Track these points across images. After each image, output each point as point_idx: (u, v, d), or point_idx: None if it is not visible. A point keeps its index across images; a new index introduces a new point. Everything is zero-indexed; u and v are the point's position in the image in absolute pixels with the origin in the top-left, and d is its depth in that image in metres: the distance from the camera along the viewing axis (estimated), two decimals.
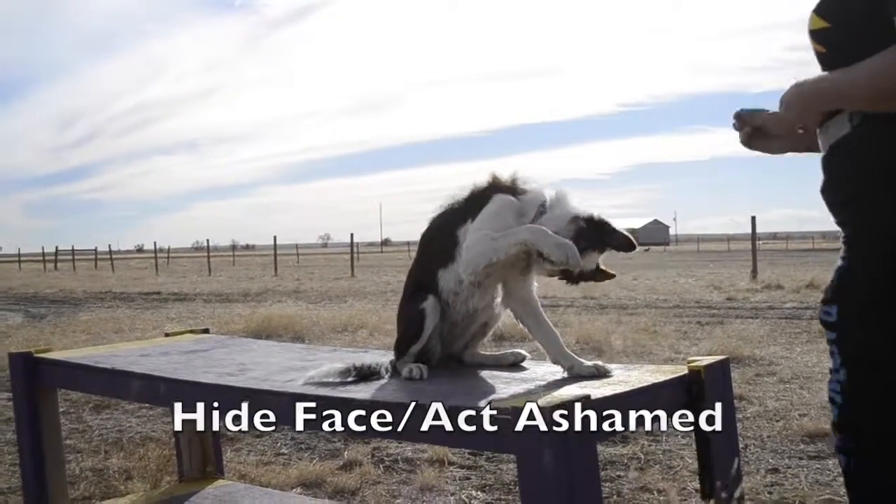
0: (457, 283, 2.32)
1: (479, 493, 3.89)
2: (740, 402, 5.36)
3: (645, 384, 2.05)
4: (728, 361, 2.24)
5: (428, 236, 2.48)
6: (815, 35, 1.81)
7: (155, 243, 49.38)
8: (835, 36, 1.76)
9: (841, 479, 1.90)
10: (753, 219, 20.99)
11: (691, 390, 2.12)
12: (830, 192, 1.83)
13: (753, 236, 21.65)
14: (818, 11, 1.80)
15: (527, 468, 1.72)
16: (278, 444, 4.90)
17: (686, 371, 2.14)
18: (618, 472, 4.11)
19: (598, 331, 8.78)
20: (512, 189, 2.29)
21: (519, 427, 1.71)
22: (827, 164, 1.84)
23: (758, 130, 2.02)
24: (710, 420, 2.11)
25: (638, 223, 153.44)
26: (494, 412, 1.82)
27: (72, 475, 4.06)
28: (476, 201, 2.30)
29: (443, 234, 2.36)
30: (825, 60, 1.80)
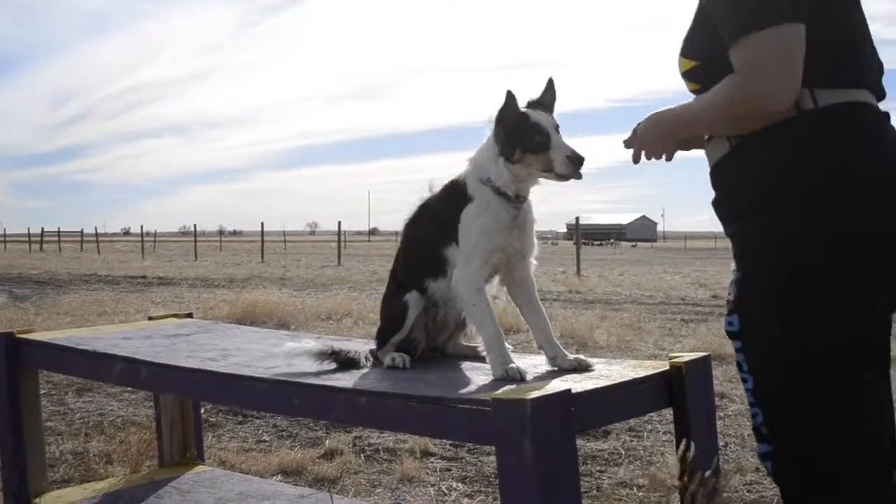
0: (449, 292, 2.33)
1: (459, 484, 3.89)
2: (721, 400, 5.40)
3: (626, 379, 2.06)
4: (709, 358, 2.25)
5: (412, 244, 2.50)
6: (687, 75, 1.95)
7: (142, 226, 49.25)
8: (704, 72, 1.87)
9: None
10: None
11: (672, 386, 2.13)
12: (720, 207, 1.94)
13: None
14: (684, 54, 1.95)
15: (506, 460, 1.72)
16: (260, 431, 4.89)
17: (667, 367, 2.15)
18: (598, 467, 4.12)
19: (583, 325, 8.82)
20: (462, 191, 2.31)
21: (499, 418, 1.71)
22: (714, 181, 1.95)
23: None
24: (690, 416, 2.12)
25: (626, 219, 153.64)
26: (475, 403, 1.82)
27: (52, 458, 4.04)
28: (450, 214, 2.31)
29: (429, 248, 2.37)
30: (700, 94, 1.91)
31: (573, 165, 2.13)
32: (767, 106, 1.71)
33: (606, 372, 2.16)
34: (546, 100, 2.26)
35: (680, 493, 1.82)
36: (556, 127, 2.19)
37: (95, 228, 55.58)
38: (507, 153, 2.19)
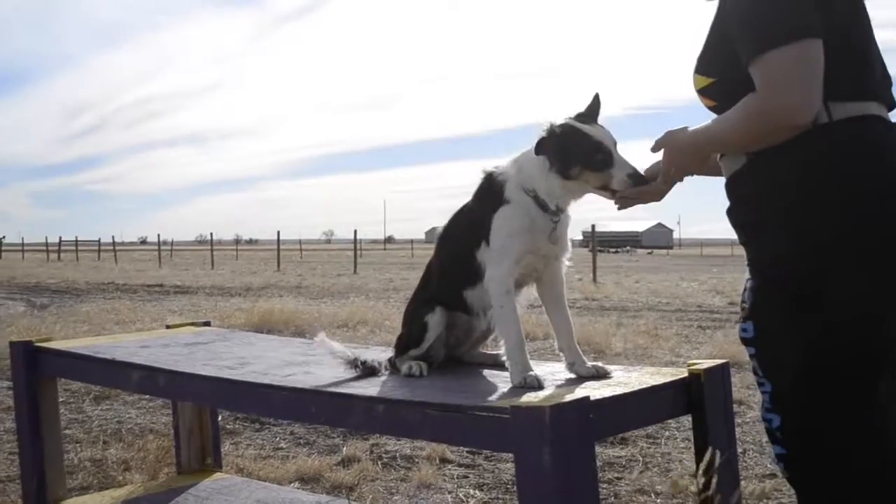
0: (485, 296, 2.29)
1: (476, 491, 3.88)
2: (740, 407, 5.35)
3: (644, 386, 2.06)
4: (728, 365, 2.25)
5: (445, 253, 2.47)
6: (704, 92, 1.97)
7: (158, 235, 49.32)
8: (721, 88, 1.91)
9: None
10: None
11: (690, 393, 2.12)
12: (733, 216, 1.98)
13: None
14: (699, 71, 1.97)
15: (524, 467, 1.72)
16: (277, 439, 4.90)
17: (686, 374, 2.15)
18: (616, 474, 4.11)
19: (600, 332, 8.78)
20: (498, 192, 2.26)
21: (517, 426, 1.71)
22: (729, 190, 1.98)
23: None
24: (709, 423, 2.11)
25: (641, 226, 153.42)
26: (493, 411, 1.82)
27: (70, 465, 4.06)
28: (484, 215, 2.27)
29: (463, 255, 2.32)
30: (718, 111, 1.92)
31: (632, 183, 2.11)
32: (788, 121, 1.73)
33: (625, 379, 2.15)
34: (593, 113, 2.21)
35: (700, 502, 1.82)
36: (615, 144, 2.14)
37: (112, 237, 55.78)
38: (564, 170, 2.13)
